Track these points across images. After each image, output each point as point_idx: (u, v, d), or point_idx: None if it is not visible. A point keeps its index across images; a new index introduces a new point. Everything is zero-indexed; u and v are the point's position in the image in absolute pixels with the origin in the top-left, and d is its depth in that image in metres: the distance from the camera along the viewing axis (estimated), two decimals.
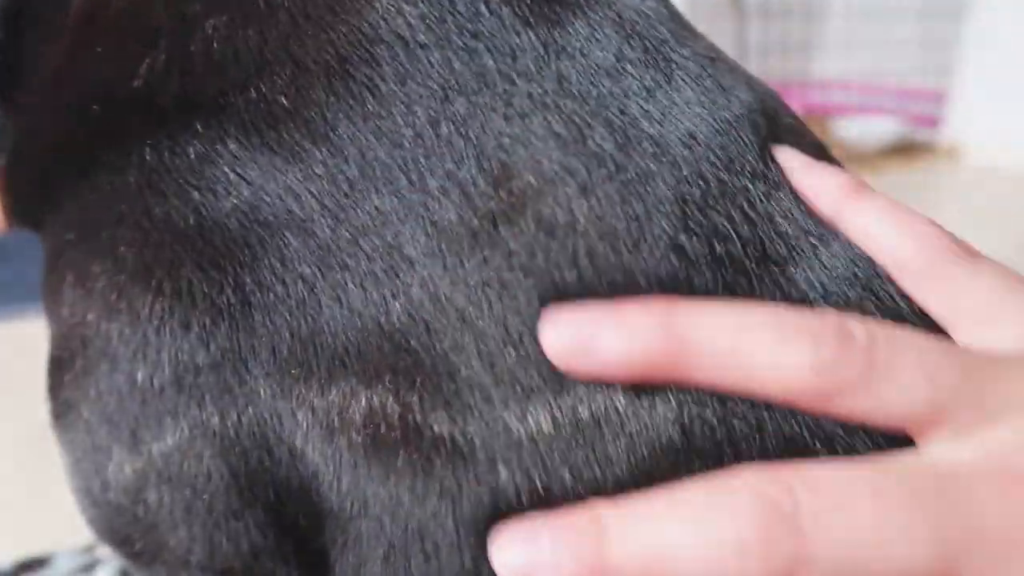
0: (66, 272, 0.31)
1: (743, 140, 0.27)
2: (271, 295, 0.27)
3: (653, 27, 0.29)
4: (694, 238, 0.26)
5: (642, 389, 0.24)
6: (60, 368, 0.32)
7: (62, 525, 0.64)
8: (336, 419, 0.27)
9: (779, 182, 0.27)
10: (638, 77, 0.28)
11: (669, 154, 0.26)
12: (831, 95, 2.49)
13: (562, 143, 0.26)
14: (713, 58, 0.29)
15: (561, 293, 0.25)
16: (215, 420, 0.28)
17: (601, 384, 0.24)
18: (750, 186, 0.27)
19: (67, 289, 0.31)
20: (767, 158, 0.28)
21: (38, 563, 0.67)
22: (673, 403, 0.24)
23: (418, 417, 0.25)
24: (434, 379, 0.25)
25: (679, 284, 0.25)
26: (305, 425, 0.27)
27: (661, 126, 0.27)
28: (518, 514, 0.25)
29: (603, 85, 0.27)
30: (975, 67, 2.22)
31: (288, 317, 0.27)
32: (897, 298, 0.26)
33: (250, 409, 0.28)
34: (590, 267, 0.25)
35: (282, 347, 0.27)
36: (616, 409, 0.24)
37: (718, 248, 0.25)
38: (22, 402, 0.92)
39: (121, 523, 0.31)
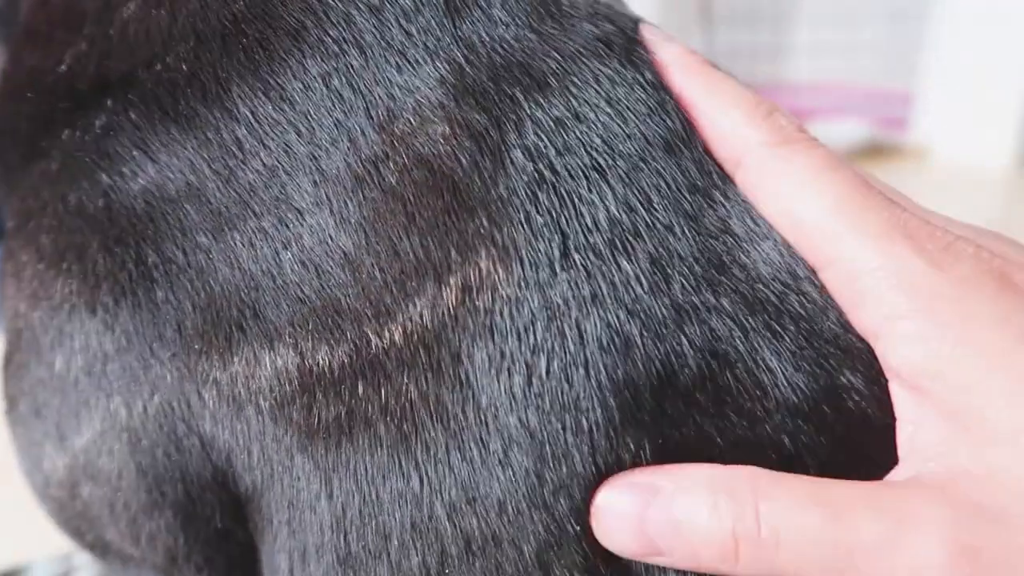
0: (6, 263, 0.32)
1: (607, 50, 0.28)
2: (173, 267, 0.27)
3: None
4: (537, 145, 0.26)
5: (472, 292, 0.25)
6: (7, 363, 0.32)
7: (37, 534, 0.63)
8: (242, 390, 0.27)
9: (635, 83, 0.28)
10: (526, 24, 0.28)
11: (533, 76, 0.27)
12: (800, 99, 2.51)
13: (443, 85, 0.27)
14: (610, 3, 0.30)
15: (424, 210, 0.26)
16: (122, 412, 0.28)
17: (441, 291, 0.25)
18: (612, 89, 0.28)
19: (7, 280, 0.31)
20: (632, 59, 0.28)
21: (13, 574, 0.66)
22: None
23: (309, 360, 0.26)
24: (323, 319, 0.26)
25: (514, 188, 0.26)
26: (212, 404, 0.27)
27: (535, 52, 0.28)
28: (366, 432, 0.25)
29: (495, 33, 0.28)
30: (940, 69, 2.25)
31: (189, 289, 0.27)
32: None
33: (156, 397, 0.27)
34: (446, 183, 0.26)
35: (186, 322, 0.27)
36: (449, 312, 0.25)
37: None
38: None
39: (67, 517, 0.31)
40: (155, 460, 0.28)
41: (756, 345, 0.25)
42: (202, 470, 0.28)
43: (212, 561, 0.30)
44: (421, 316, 0.25)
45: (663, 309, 0.25)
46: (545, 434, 0.25)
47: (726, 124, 0.28)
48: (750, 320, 0.26)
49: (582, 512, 0.25)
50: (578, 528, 0.25)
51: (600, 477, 0.25)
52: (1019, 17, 2.06)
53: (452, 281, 0.25)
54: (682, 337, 0.25)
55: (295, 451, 0.26)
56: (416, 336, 0.25)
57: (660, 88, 0.28)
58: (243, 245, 0.27)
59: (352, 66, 0.27)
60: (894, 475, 0.25)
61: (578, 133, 0.27)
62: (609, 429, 0.25)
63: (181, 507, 0.28)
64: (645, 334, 0.25)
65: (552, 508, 0.25)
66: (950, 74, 2.23)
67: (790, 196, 0.26)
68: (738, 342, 0.25)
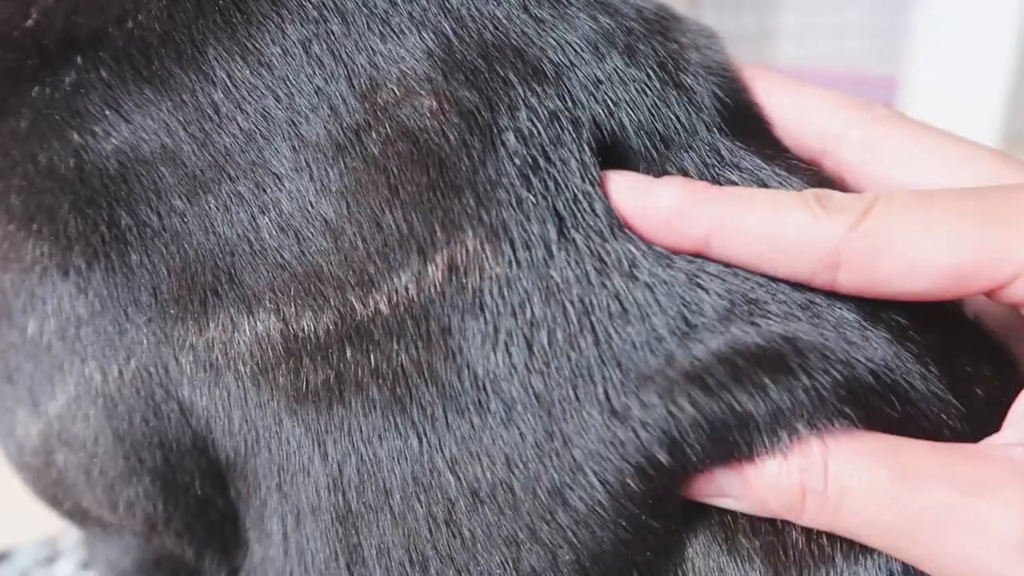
0: None
1: (607, 46, 0.28)
2: (148, 230, 0.27)
3: None
4: (530, 131, 0.26)
5: (459, 272, 0.25)
6: None
7: (22, 518, 0.63)
8: (219, 356, 0.26)
9: (632, 80, 0.28)
10: (520, 4, 0.28)
11: (528, 62, 0.27)
12: None
13: (429, 57, 0.26)
14: None
15: (408, 184, 0.26)
16: (97, 377, 0.27)
17: (426, 267, 0.25)
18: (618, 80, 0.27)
19: None
20: (635, 59, 0.28)
21: None
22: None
23: (293, 325, 0.26)
24: (305, 285, 0.26)
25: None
26: (190, 370, 0.27)
27: (530, 38, 0.27)
28: (357, 394, 0.25)
29: (485, 9, 0.27)
30: (926, 54, 2.25)
31: (164, 253, 0.27)
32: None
33: (132, 362, 0.27)
34: (432, 159, 0.26)
35: (161, 287, 0.27)
36: (436, 288, 0.25)
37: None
38: None
39: (43, 484, 0.31)
40: (132, 426, 0.28)
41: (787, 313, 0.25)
42: (181, 436, 0.28)
43: (192, 528, 0.29)
44: (407, 289, 0.25)
45: (677, 275, 0.25)
46: (553, 396, 0.25)
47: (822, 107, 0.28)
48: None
49: (602, 456, 0.25)
50: (596, 470, 0.25)
51: (617, 424, 0.25)
52: (1004, 3, 2.07)
53: (438, 259, 0.25)
54: (700, 292, 0.25)
55: (283, 415, 0.26)
56: (402, 307, 0.25)
57: (666, 85, 0.28)
58: (217, 209, 0.26)
59: (333, 32, 0.27)
60: (996, 439, 0.24)
61: (572, 132, 0.26)
62: (626, 384, 0.25)
63: (160, 474, 0.28)
64: (660, 296, 0.25)
65: (564, 455, 0.25)
66: (936, 59, 2.23)
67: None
68: (760, 289, 0.26)
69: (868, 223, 0.24)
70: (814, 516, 0.24)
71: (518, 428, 0.25)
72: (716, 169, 0.28)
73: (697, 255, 0.26)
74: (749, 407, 0.24)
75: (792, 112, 0.29)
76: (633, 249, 0.26)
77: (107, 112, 0.28)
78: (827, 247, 0.24)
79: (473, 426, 0.25)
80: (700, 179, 0.27)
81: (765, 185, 0.28)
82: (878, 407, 0.25)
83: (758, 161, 0.28)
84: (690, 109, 0.28)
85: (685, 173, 0.27)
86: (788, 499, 0.24)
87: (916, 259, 0.23)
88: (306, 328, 0.26)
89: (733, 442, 0.24)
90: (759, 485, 0.24)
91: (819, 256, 0.24)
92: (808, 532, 0.25)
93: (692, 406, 0.24)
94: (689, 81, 0.28)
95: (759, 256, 0.25)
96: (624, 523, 0.25)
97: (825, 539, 0.25)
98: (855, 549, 0.25)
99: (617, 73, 0.27)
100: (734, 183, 0.27)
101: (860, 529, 0.23)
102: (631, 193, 0.26)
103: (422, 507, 0.26)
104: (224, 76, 0.27)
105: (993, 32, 2.12)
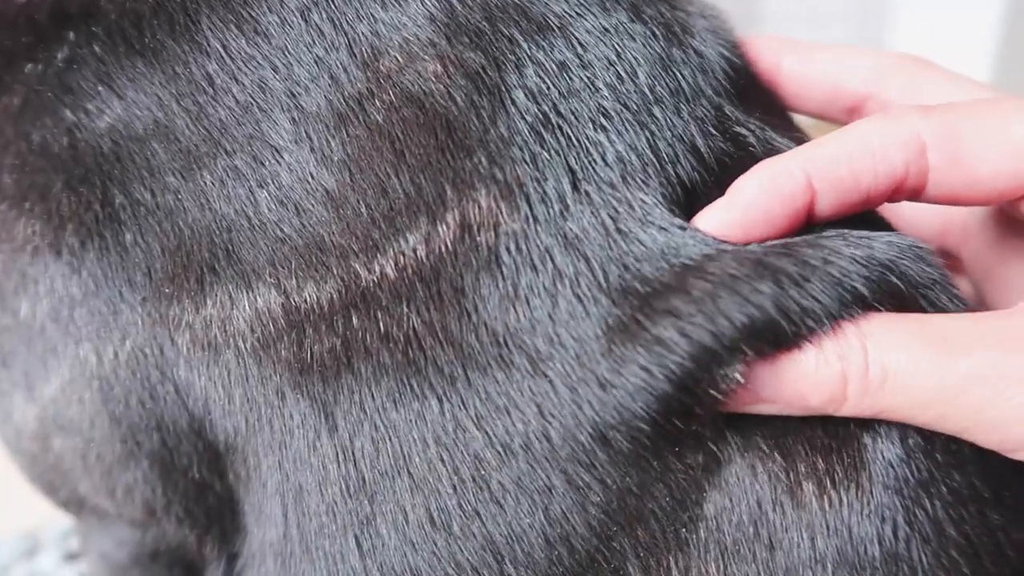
0: None
1: (613, 3, 0.27)
2: (142, 209, 0.26)
3: None
4: (528, 71, 0.26)
5: (471, 229, 0.25)
6: None
7: (3, 510, 0.62)
8: (218, 334, 0.26)
9: (637, 35, 0.27)
10: None
11: (532, 19, 0.26)
12: None
13: (432, 22, 0.26)
14: None
15: (415, 147, 0.25)
16: (92, 359, 0.27)
17: (436, 227, 0.25)
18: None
19: None
20: (640, 16, 0.28)
21: None
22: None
23: (295, 298, 0.25)
24: (307, 256, 0.25)
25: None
26: (186, 350, 0.26)
27: (535, 0, 0.27)
28: (367, 361, 0.25)
29: None
30: (907, 40, 2.27)
31: (158, 231, 0.26)
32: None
33: (127, 343, 0.26)
34: (439, 121, 0.25)
35: (156, 266, 0.26)
36: (447, 248, 0.25)
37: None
38: None
39: (40, 471, 0.30)
40: (129, 408, 0.27)
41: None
42: (178, 418, 0.27)
43: (192, 513, 0.29)
44: (415, 251, 0.25)
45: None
46: (583, 343, 0.24)
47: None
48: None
49: (645, 388, 0.24)
50: (643, 403, 0.24)
51: (656, 352, 0.24)
52: None
53: (448, 219, 0.25)
54: None
55: (286, 389, 0.25)
56: (411, 270, 0.25)
57: (671, 45, 0.28)
58: (213, 184, 0.26)
59: (333, 1, 0.26)
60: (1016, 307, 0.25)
61: (583, 77, 0.26)
62: (658, 314, 0.24)
63: (157, 457, 0.28)
64: (676, 237, 0.25)
65: (604, 397, 0.24)
66: (918, 45, 2.25)
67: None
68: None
69: (938, 108, 0.25)
70: (855, 403, 0.24)
71: (547, 378, 0.24)
72: (720, 131, 0.27)
73: (808, 214, 0.26)
74: (785, 305, 0.24)
75: (831, 67, 0.30)
76: (644, 197, 0.25)
77: (100, 88, 0.27)
78: (910, 130, 0.25)
79: (498, 381, 0.25)
80: (705, 142, 0.27)
81: (772, 148, 0.28)
82: (909, 301, 0.25)
83: (763, 127, 0.28)
84: (696, 71, 0.28)
85: None
86: (829, 390, 0.24)
87: (991, 134, 0.25)
88: (308, 299, 0.25)
89: (769, 344, 0.24)
90: (797, 381, 0.24)
91: (906, 139, 0.25)
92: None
93: (726, 316, 0.23)
94: (696, 44, 0.28)
95: (858, 172, 0.25)
96: (655, 462, 0.25)
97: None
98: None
99: (623, 26, 0.27)
100: (740, 145, 0.27)
101: (903, 406, 0.23)
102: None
103: (445, 467, 0.25)
104: (219, 46, 0.26)
105: (975, 25, 2.13)
